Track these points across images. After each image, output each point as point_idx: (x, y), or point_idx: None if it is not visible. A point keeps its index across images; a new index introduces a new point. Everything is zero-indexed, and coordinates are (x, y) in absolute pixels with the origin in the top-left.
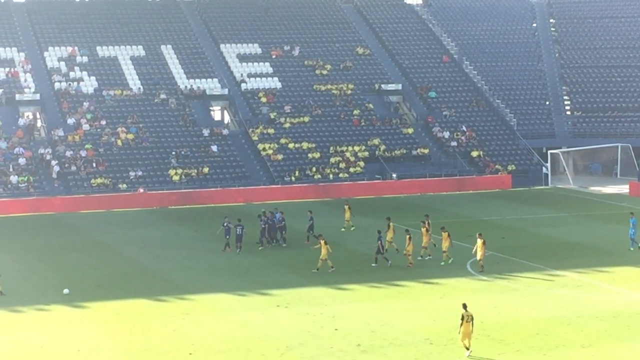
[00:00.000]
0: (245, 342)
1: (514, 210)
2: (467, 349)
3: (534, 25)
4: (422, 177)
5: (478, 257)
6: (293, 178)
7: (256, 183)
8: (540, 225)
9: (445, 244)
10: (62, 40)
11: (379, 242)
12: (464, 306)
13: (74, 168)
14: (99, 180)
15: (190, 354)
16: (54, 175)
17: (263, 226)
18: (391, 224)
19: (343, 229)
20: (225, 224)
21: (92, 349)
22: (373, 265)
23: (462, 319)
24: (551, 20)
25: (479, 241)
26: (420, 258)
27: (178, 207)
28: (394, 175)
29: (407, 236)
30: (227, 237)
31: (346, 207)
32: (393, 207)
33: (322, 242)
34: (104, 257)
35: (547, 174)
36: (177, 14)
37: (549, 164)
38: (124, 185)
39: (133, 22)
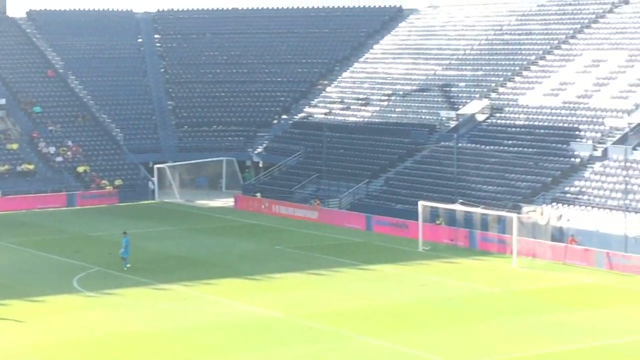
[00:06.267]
0: None
1: (120, 225)
2: None
3: (140, 40)
4: (28, 193)
5: None
6: None
7: None
8: (147, 240)
9: None
10: None
11: None
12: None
13: None
14: None
15: None
16: None
17: None
18: None
19: None
20: None
21: None
22: None
23: None
24: (156, 36)
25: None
26: None
27: None
28: None
29: None
30: None
31: None
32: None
33: None
34: None
35: (153, 189)
36: None
37: (155, 179)
38: None
39: None
